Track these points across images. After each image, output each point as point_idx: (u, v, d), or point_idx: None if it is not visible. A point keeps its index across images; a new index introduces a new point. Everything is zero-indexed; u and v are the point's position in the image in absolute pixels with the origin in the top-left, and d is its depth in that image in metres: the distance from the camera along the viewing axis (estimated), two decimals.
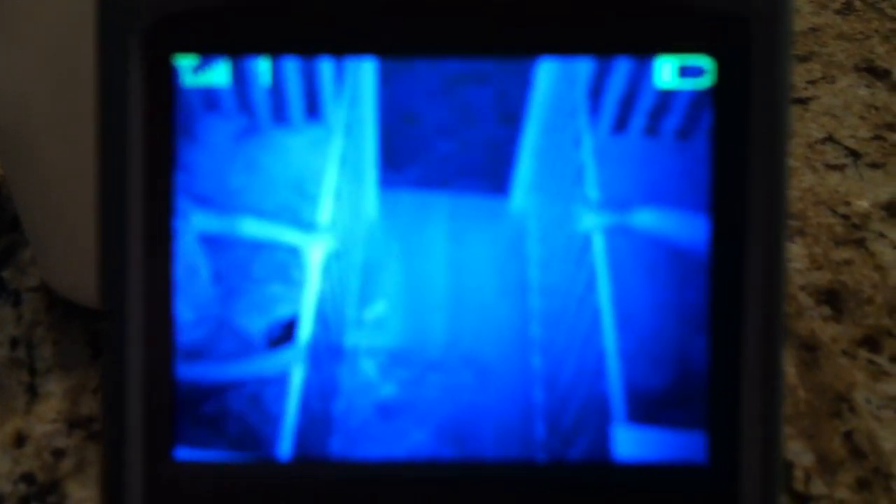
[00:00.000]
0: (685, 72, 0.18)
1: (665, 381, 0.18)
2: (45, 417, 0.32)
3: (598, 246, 0.18)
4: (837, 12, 0.57)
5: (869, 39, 0.54)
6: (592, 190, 0.18)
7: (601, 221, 0.18)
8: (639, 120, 0.18)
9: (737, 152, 0.17)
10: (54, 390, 0.33)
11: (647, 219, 0.18)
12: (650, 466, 0.18)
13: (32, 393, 0.33)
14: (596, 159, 0.18)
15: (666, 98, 0.18)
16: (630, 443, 0.18)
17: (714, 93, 0.17)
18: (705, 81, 0.18)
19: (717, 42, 0.17)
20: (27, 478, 0.30)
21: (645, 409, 0.18)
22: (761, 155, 0.17)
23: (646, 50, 0.17)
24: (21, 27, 0.28)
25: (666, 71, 0.18)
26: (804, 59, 0.52)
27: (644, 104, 0.18)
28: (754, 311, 0.17)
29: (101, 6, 0.17)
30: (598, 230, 0.18)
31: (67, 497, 0.30)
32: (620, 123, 0.18)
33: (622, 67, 0.18)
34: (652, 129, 0.18)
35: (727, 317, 0.18)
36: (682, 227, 0.18)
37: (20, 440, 0.32)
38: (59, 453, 0.31)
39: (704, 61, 0.17)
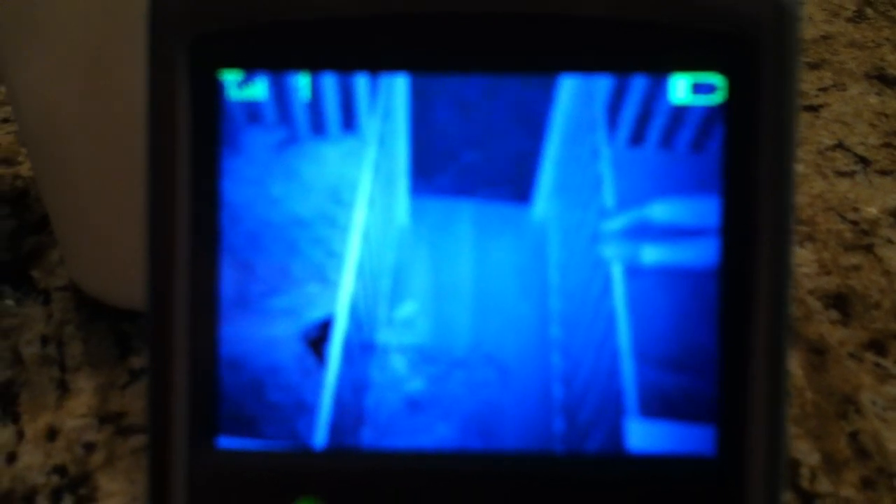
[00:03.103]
0: (698, 88, 0.18)
1: (676, 379, 0.18)
2: (76, 412, 0.33)
3: (614, 251, 0.19)
4: (849, 20, 0.57)
5: (880, 47, 0.54)
6: (609, 199, 0.19)
7: (617, 227, 0.19)
8: (654, 133, 0.19)
9: (747, 163, 0.18)
10: (84, 387, 0.33)
11: (660, 223, 0.19)
12: (661, 458, 0.18)
13: (63, 389, 0.33)
14: (613, 170, 0.19)
15: (680, 113, 0.18)
16: (642, 435, 0.18)
17: (725, 108, 0.18)
18: (717, 98, 0.18)
19: (728, 61, 0.18)
20: (59, 470, 0.31)
21: (657, 405, 0.19)
22: (770, 166, 0.18)
23: (661, 68, 0.18)
24: (51, 31, 0.28)
25: (680, 88, 0.18)
26: (815, 66, 0.52)
27: (659, 119, 0.18)
28: (762, 314, 0.18)
29: (151, 22, 0.17)
30: (613, 237, 0.19)
31: (98, 489, 0.30)
32: (637, 137, 0.19)
33: (639, 84, 0.18)
34: (666, 142, 0.19)
35: (736, 319, 0.18)
36: (693, 232, 0.19)
37: (52, 434, 0.32)
38: (89, 447, 0.31)
39: (716, 79, 0.18)
